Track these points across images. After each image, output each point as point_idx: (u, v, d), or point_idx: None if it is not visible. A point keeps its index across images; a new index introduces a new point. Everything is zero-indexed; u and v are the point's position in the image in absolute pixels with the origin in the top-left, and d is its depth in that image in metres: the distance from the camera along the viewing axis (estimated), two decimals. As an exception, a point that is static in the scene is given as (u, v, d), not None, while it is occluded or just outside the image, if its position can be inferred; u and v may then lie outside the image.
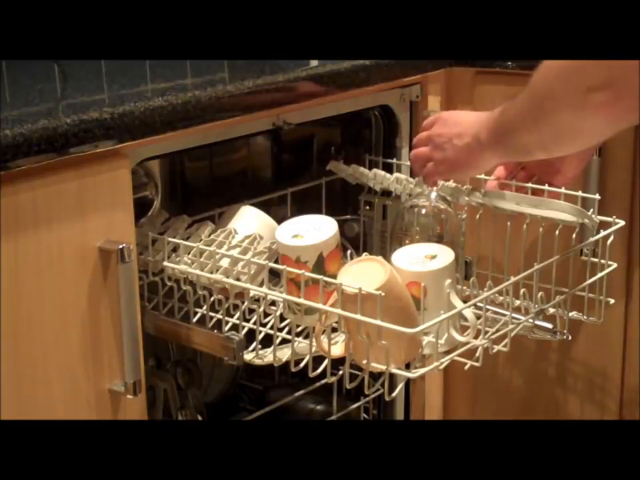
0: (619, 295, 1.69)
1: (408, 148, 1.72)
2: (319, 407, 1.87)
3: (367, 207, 1.75)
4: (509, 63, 1.70)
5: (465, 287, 1.52)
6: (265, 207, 1.56)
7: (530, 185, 1.51)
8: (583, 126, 1.18)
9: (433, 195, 1.53)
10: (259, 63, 1.51)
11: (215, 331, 1.40)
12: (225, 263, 1.39)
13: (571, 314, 1.48)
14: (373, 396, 1.81)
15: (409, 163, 1.69)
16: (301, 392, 1.81)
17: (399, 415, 1.86)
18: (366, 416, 1.87)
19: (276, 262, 1.38)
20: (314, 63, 1.54)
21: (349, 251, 1.54)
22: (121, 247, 1.27)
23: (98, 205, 1.27)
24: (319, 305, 1.28)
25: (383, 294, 1.21)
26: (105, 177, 1.28)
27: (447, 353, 1.32)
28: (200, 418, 1.61)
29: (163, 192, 1.68)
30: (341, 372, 1.31)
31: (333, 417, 1.81)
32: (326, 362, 1.32)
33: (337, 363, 1.33)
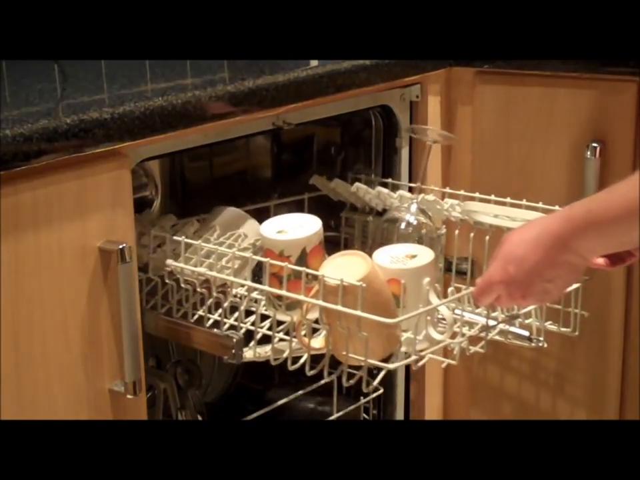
0: (618, 300, 1.69)
1: (407, 148, 1.73)
2: (319, 407, 1.88)
3: (347, 225, 1.72)
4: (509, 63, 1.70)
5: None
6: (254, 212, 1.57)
7: (509, 200, 1.51)
8: None
9: (414, 207, 1.53)
10: (259, 63, 1.51)
11: (215, 329, 1.41)
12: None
13: (546, 324, 1.49)
14: (372, 396, 1.81)
15: (404, 183, 1.70)
16: (301, 392, 1.81)
17: (399, 415, 1.86)
18: (366, 416, 1.87)
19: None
20: (314, 62, 1.54)
21: None
22: (120, 247, 1.27)
23: (98, 205, 1.27)
24: (301, 297, 1.29)
25: (364, 285, 1.23)
26: (105, 177, 1.28)
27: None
28: (200, 418, 1.61)
29: (163, 192, 1.68)
30: (339, 370, 1.32)
31: (333, 417, 1.81)
32: (306, 356, 1.33)
33: (336, 362, 1.33)
